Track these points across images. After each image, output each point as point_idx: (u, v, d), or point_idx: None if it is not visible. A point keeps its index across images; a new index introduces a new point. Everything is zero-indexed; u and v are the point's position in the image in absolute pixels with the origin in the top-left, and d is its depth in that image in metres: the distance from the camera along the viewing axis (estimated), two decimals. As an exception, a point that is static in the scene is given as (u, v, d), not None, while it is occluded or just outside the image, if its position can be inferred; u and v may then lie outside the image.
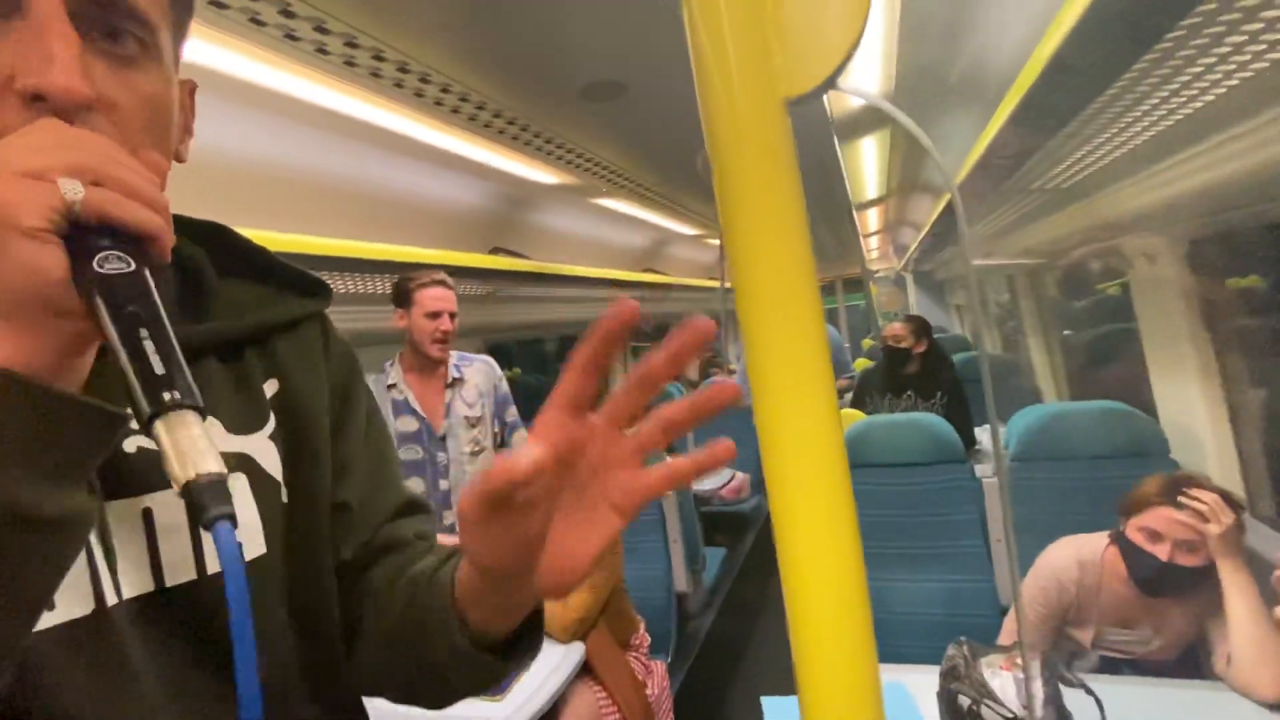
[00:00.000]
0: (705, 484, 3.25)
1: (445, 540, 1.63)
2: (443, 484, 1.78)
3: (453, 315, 1.71)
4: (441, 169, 1.82)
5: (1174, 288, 1.78)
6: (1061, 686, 0.97)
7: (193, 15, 0.42)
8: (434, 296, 1.68)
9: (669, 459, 0.32)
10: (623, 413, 0.33)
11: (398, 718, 0.61)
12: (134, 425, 0.29)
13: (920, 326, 2.84)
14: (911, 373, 2.75)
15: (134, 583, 0.36)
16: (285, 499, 0.45)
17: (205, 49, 1.01)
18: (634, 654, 1.84)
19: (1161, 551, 1.19)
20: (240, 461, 0.42)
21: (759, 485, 3.77)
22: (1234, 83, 0.94)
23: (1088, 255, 2.68)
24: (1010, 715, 0.93)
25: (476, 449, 1.83)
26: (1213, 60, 0.89)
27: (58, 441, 0.28)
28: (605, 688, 1.69)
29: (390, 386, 1.75)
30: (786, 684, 1.15)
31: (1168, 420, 1.83)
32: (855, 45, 0.24)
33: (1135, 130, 1.28)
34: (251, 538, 0.42)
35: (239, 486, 0.41)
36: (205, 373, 0.43)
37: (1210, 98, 1.04)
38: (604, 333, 0.31)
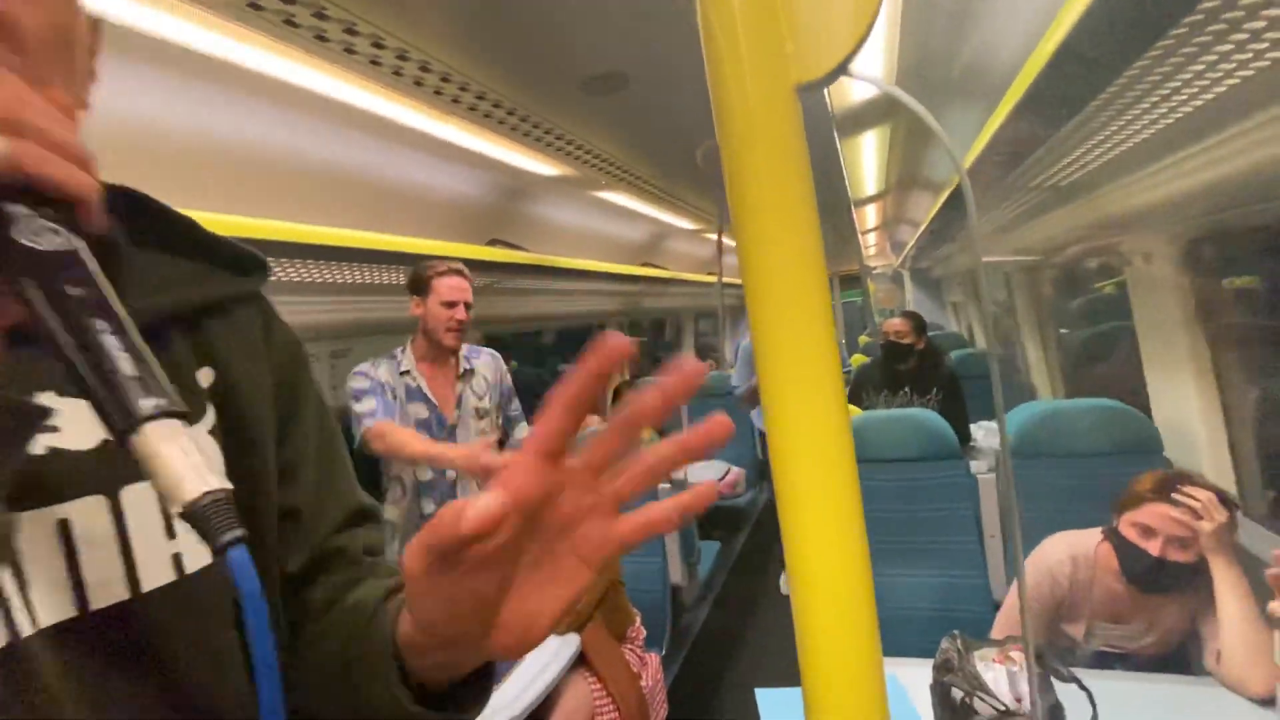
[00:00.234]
0: (700, 478, 3.26)
1: None
2: (450, 474, 1.79)
3: (468, 305, 1.72)
4: (440, 159, 1.81)
5: (1171, 286, 1.79)
6: (1054, 680, 0.98)
7: None
8: (450, 285, 1.70)
9: (660, 453, 0.29)
10: (602, 458, 0.29)
11: None
12: (55, 422, 0.26)
13: (919, 322, 2.85)
14: (909, 369, 2.76)
15: (52, 608, 0.31)
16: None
17: (201, 34, 1.00)
18: (629, 647, 1.84)
19: (1154, 547, 1.20)
20: None
21: (754, 479, 3.79)
22: (1235, 80, 0.94)
23: (1085, 253, 2.68)
24: (1002, 708, 0.94)
25: (482, 440, 1.85)
26: (1214, 58, 0.89)
27: None
28: (600, 680, 1.69)
29: (404, 373, 1.76)
30: (780, 677, 1.16)
31: (1162, 418, 1.84)
32: (868, 32, 0.24)
33: (1135, 128, 1.28)
34: (194, 546, 0.36)
35: None
36: None
37: (1210, 96, 1.04)
38: (591, 370, 0.28)
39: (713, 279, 4.65)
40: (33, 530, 0.30)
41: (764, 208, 0.25)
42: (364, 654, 0.39)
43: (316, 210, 1.59)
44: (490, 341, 1.88)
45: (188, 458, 0.25)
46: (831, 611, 0.30)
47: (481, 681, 0.39)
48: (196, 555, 0.36)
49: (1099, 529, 1.34)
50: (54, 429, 0.32)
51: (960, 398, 2.70)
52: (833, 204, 3.86)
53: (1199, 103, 1.08)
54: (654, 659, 1.93)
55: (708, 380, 4.54)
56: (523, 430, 2.00)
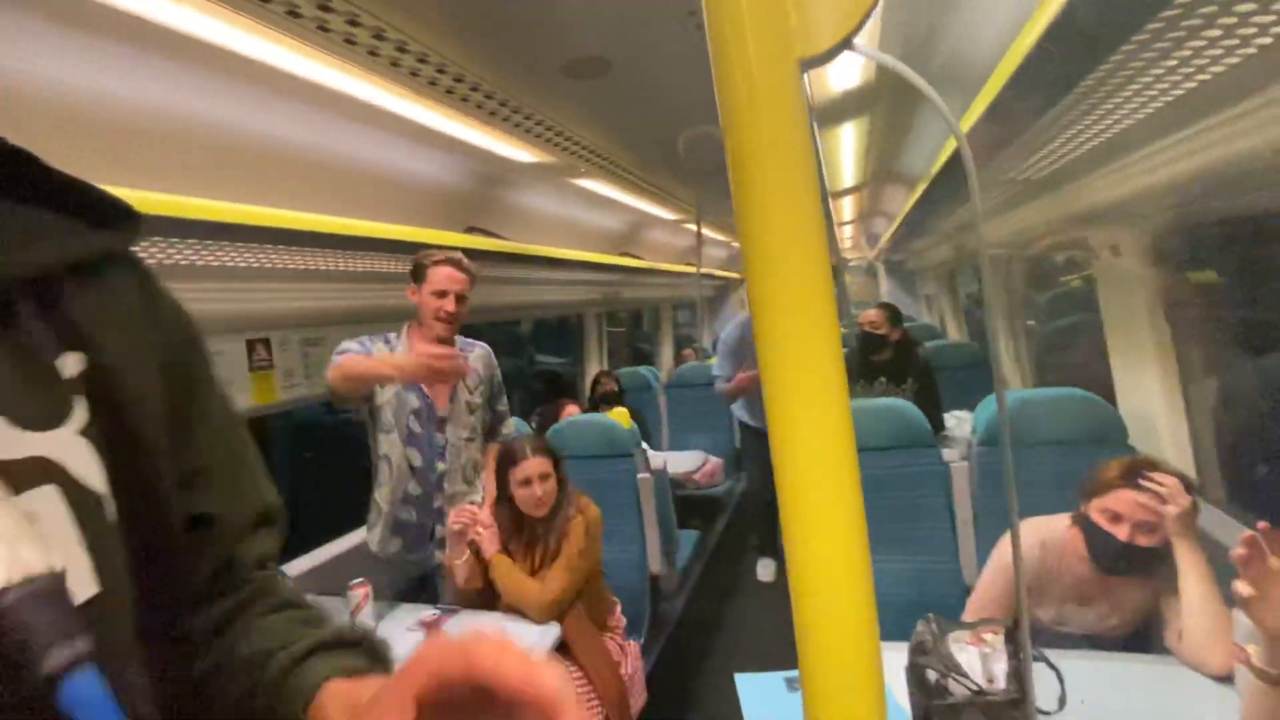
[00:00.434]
0: (679, 468, 3.27)
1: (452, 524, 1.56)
2: (439, 465, 1.77)
3: (461, 297, 1.70)
4: (416, 144, 1.77)
5: (1137, 280, 1.84)
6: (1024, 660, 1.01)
7: None
8: (443, 275, 1.69)
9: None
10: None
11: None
12: None
13: (895, 314, 2.89)
14: (884, 359, 2.80)
15: None
16: (112, 516, 0.33)
17: (170, 9, 0.96)
18: (610, 635, 1.85)
19: (1121, 532, 1.24)
20: (42, 469, 0.30)
21: (731, 469, 3.82)
22: (1205, 76, 0.97)
23: (1055, 247, 2.74)
24: (975, 687, 0.96)
25: (471, 435, 1.84)
26: (1187, 53, 0.91)
27: None
28: (581, 668, 1.70)
29: None
30: (757, 663, 1.17)
31: (1127, 408, 1.90)
32: (871, 8, 0.24)
33: (1106, 123, 1.30)
34: (80, 575, 0.30)
35: (48, 505, 0.30)
36: None
37: (1179, 92, 1.06)
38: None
39: (691, 269, 4.65)
40: None
41: (767, 184, 0.24)
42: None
43: (286, 194, 1.54)
44: (466, 330, 1.86)
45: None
46: (830, 595, 0.30)
47: None
48: (82, 585, 0.31)
49: (1067, 515, 1.37)
50: None
51: (934, 387, 2.75)
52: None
53: (1168, 99, 1.10)
54: (633, 647, 1.94)
55: (686, 371, 4.54)
56: (508, 427, 1.99)
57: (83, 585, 0.31)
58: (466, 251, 1.78)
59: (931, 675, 1.01)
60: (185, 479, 0.39)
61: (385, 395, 1.72)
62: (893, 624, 1.43)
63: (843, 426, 0.28)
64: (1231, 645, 1.09)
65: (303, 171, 1.58)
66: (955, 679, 0.98)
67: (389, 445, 1.73)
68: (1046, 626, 1.39)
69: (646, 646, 2.16)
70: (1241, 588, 0.80)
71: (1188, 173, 1.32)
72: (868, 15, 0.24)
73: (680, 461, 3.39)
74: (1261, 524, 0.79)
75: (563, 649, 1.68)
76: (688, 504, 3.32)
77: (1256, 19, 0.78)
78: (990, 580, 1.42)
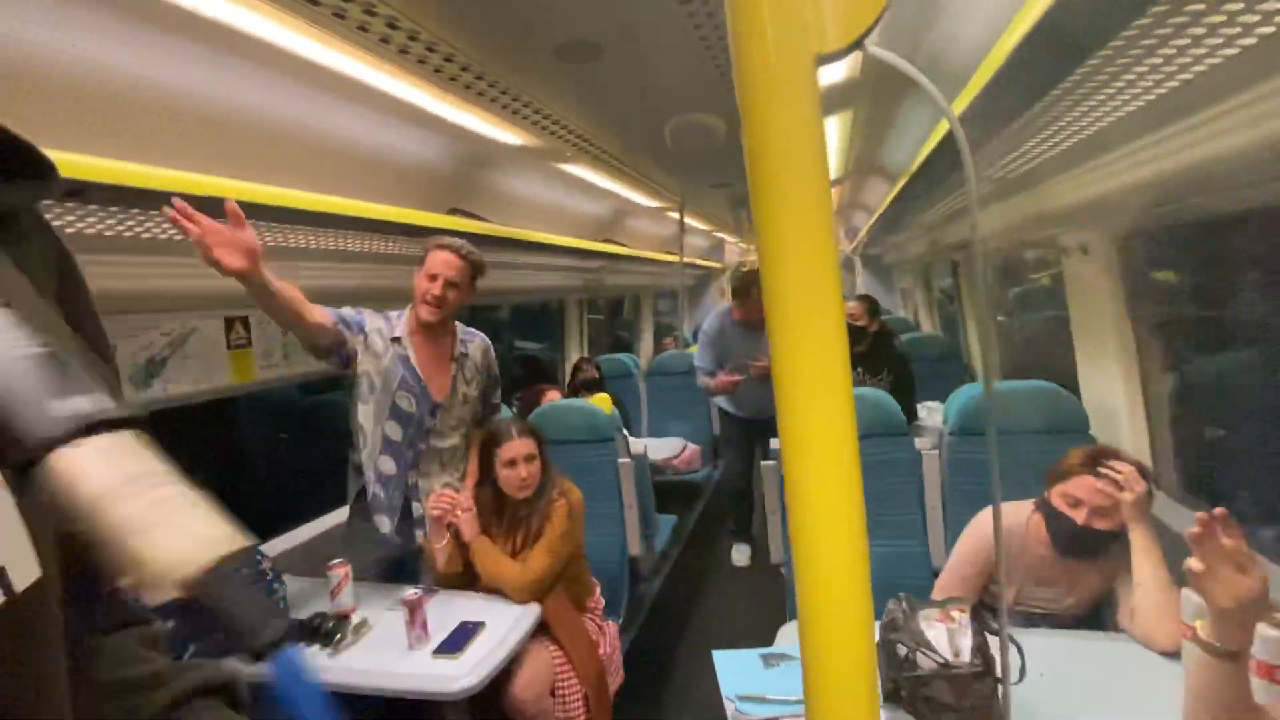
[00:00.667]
0: (659, 454, 3.31)
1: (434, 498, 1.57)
2: (420, 445, 1.77)
3: (452, 284, 1.69)
4: (402, 122, 1.75)
5: (1103, 278, 1.91)
6: (987, 636, 1.06)
7: None
8: (437, 259, 1.69)
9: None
10: None
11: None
12: None
13: (874, 306, 2.95)
14: (862, 351, 2.86)
15: None
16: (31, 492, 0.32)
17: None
18: (589, 616, 1.88)
19: (1080, 516, 1.31)
20: None
21: (709, 456, 3.87)
22: (1174, 84, 1.01)
23: (1027, 245, 2.82)
24: (942, 661, 1.01)
25: (459, 424, 1.84)
26: (1158, 60, 0.95)
27: None
28: (561, 647, 1.73)
29: (395, 340, 1.73)
30: (731, 644, 1.22)
31: (1090, 400, 1.98)
32: (883, 10, 0.26)
33: (1078, 128, 1.35)
34: (20, 558, 0.29)
35: None
36: None
37: (1148, 99, 1.11)
38: None
39: (673, 258, 4.67)
40: None
41: (783, 172, 0.26)
42: None
43: (266, 169, 1.52)
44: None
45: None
46: (830, 570, 0.32)
47: None
48: (22, 569, 0.29)
49: (1031, 500, 1.44)
50: None
51: (910, 378, 2.83)
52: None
53: (1138, 105, 1.15)
54: (612, 627, 1.97)
55: (666, 359, 4.57)
56: (498, 419, 1.99)
57: (24, 569, 0.29)
58: (450, 234, 1.77)
59: (902, 650, 1.06)
60: None
61: (365, 365, 1.70)
62: (864, 604, 1.49)
63: (848, 404, 0.30)
64: (1179, 624, 1.16)
65: (282, 146, 1.55)
66: (924, 653, 1.03)
67: (365, 416, 1.72)
68: (1008, 606, 1.45)
69: (624, 627, 2.20)
70: (1193, 563, 0.85)
71: (1153, 177, 1.38)
72: (879, 18, 0.26)
73: (659, 448, 3.42)
74: (1218, 510, 0.85)
75: (542, 629, 1.70)
76: (666, 489, 3.36)
77: (1223, 31, 0.83)
78: (958, 562, 1.48)
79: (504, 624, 1.57)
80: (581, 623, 1.81)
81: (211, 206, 1.29)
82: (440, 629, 1.51)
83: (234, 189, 1.38)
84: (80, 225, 1.20)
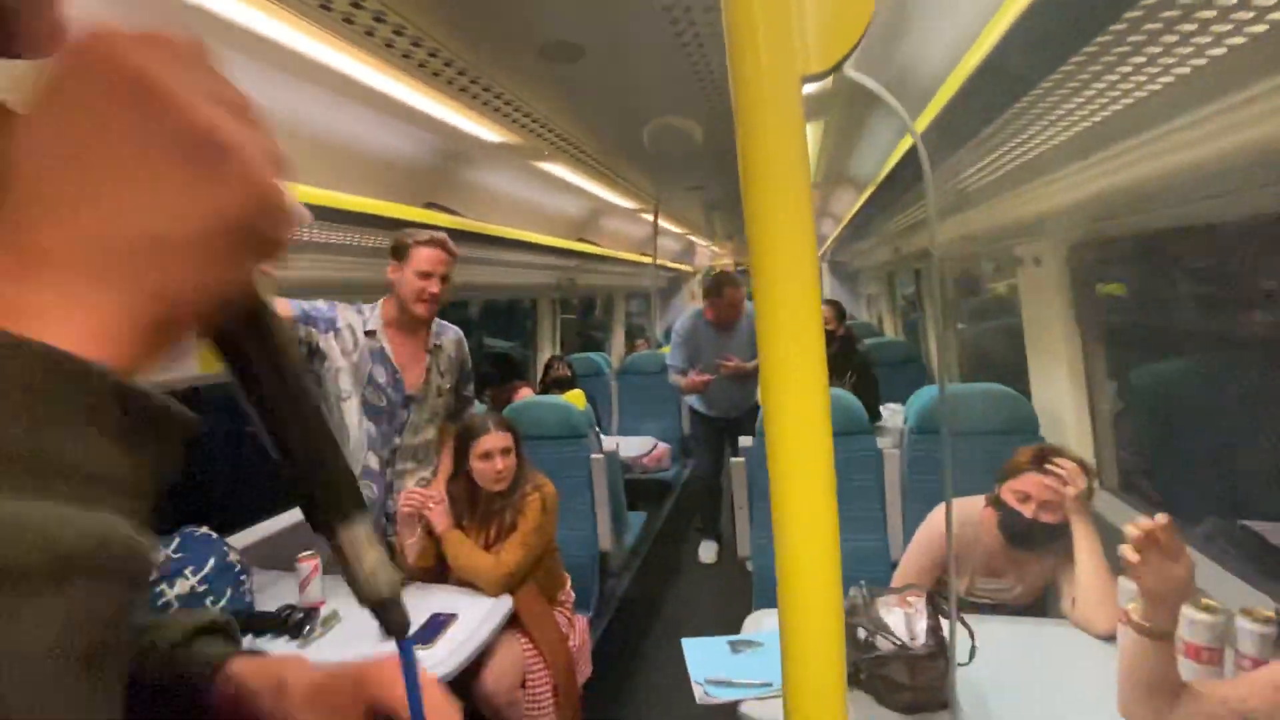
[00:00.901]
0: (629, 452, 3.35)
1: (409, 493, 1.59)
2: (396, 440, 1.77)
3: (444, 279, 1.70)
4: (381, 114, 1.75)
5: (1055, 288, 2.03)
6: (941, 620, 1.13)
7: None
8: (428, 256, 1.68)
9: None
10: None
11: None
12: None
13: (841, 311, 3.05)
14: (829, 353, 2.94)
15: None
16: None
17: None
18: (560, 609, 1.90)
19: (1029, 510, 1.39)
20: None
21: (678, 455, 3.92)
22: (1129, 101, 1.09)
23: (985, 256, 2.95)
24: (899, 642, 1.07)
25: (432, 418, 1.84)
26: (1111, 80, 1.03)
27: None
28: (532, 640, 1.75)
29: (369, 333, 1.72)
30: (698, 634, 1.25)
31: (1039, 403, 2.09)
32: (862, 35, 0.30)
33: (1035, 142, 1.44)
34: None
35: None
36: None
37: (1106, 114, 1.19)
38: None
39: (646, 259, 4.71)
40: None
41: (771, 180, 0.30)
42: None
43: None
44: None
45: (379, 556, 0.27)
46: (810, 552, 0.37)
47: None
48: None
49: (983, 496, 1.52)
50: None
51: (873, 381, 2.93)
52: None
53: (1095, 120, 1.23)
54: (582, 621, 2.00)
55: (638, 359, 4.60)
56: (471, 412, 2.00)
57: None
58: (425, 228, 1.78)
59: (862, 633, 1.12)
60: None
61: (338, 362, 1.70)
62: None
63: (825, 400, 0.34)
64: (1116, 609, 1.25)
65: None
66: (882, 636, 1.09)
67: (349, 411, 1.72)
68: (960, 596, 1.53)
69: (594, 621, 2.22)
70: (1128, 552, 0.93)
71: (1098, 192, 1.48)
72: (857, 43, 0.30)
73: (630, 446, 3.46)
74: (1160, 517, 0.92)
75: (513, 621, 1.72)
76: (636, 487, 3.40)
77: (1161, 60, 0.90)
78: (914, 554, 1.55)
79: (476, 616, 1.58)
80: (552, 615, 1.84)
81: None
82: (413, 621, 1.52)
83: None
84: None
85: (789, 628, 0.40)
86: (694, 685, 1.19)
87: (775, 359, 0.34)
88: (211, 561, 1.54)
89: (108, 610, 0.19)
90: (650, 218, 4.16)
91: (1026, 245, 2.11)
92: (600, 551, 2.37)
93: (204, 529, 1.62)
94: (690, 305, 5.52)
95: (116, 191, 0.21)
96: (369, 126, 1.80)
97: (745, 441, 2.27)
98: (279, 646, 1.45)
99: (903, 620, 1.12)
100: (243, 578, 1.60)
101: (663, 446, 3.66)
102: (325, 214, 1.75)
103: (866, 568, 1.94)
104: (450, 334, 1.90)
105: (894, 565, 1.88)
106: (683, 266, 7.85)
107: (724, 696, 1.15)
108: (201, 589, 1.51)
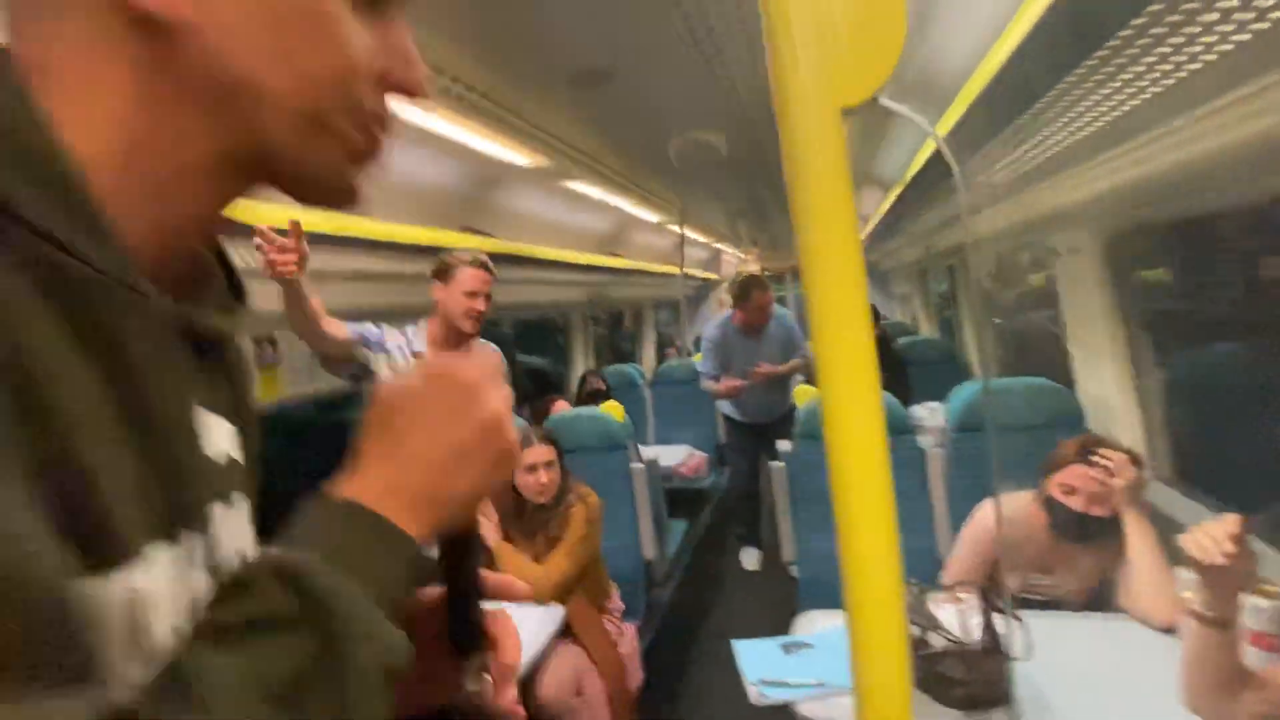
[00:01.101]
0: (666, 462, 3.38)
1: None
2: None
3: (488, 297, 1.78)
4: (419, 145, 1.83)
5: (1094, 278, 2.00)
6: (995, 616, 1.13)
7: None
8: (473, 276, 1.76)
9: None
10: None
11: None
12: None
13: (875, 312, 3.05)
14: (861, 354, 2.94)
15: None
16: None
17: None
18: (608, 617, 1.94)
19: (1077, 503, 1.38)
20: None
21: (714, 463, 3.93)
22: (1158, 89, 1.09)
23: (1020, 248, 2.91)
24: (954, 638, 1.08)
25: None
26: (1141, 69, 1.03)
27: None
28: (584, 647, 1.78)
29: (416, 353, 1.80)
30: (747, 639, 1.26)
31: (1085, 395, 2.05)
32: (890, 71, 0.33)
33: (1068, 131, 1.44)
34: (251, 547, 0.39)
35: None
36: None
37: (1136, 102, 1.19)
38: None
39: (674, 270, 4.76)
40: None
41: (818, 204, 0.34)
42: None
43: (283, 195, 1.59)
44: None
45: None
46: (872, 552, 0.40)
47: None
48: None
49: (1030, 491, 1.51)
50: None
51: (906, 379, 2.91)
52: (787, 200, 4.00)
53: (1123, 110, 1.23)
54: (630, 629, 2.03)
55: (670, 369, 4.62)
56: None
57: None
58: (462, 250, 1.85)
59: (914, 631, 1.13)
60: None
61: (384, 375, 1.77)
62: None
63: (878, 405, 0.38)
64: (1175, 600, 1.23)
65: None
66: (936, 633, 1.10)
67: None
68: (1013, 594, 1.52)
69: (641, 629, 2.25)
70: (1187, 541, 0.92)
71: (1141, 178, 1.46)
72: (886, 79, 0.33)
73: (667, 455, 3.49)
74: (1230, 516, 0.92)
75: (564, 630, 1.76)
76: (674, 497, 3.41)
77: (1201, 40, 0.91)
78: (963, 552, 1.55)
79: (530, 626, 1.63)
80: (602, 624, 1.87)
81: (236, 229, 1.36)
82: (469, 630, 1.57)
83: (264, 214, 1.45)
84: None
85: (858, 627, 0.43)
86: (748, 686, 1.21)
87: (832, 372, 0.38)
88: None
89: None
90: (675, 228, 4.21)
91: (1063, 235, 2.09)
92: (644, 560, 2.40)
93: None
94: (719, 312, 5.54)
95: (444, 461, 0.34)
96: (409, 158, 1.89)
97: (783, 445, 2.28)
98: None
99: (955, 616, 1.12)
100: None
101: (700, 455, 3.68)
102: (373, 244, 1.84)
103: (915, 568, 1.90)
104: (489, 350, 1.97)
105: (939, 563, 1.87)
106: (710, 275, 7.88)
107: (779, 696, 1.17)
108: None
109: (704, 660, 2.51)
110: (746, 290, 2.96)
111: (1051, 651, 1.17)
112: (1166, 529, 1.32)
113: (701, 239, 5.74)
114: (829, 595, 1.59)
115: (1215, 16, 0.86)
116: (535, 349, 5.84)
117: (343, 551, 0.30)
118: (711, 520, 3.85)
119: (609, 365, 4.60)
